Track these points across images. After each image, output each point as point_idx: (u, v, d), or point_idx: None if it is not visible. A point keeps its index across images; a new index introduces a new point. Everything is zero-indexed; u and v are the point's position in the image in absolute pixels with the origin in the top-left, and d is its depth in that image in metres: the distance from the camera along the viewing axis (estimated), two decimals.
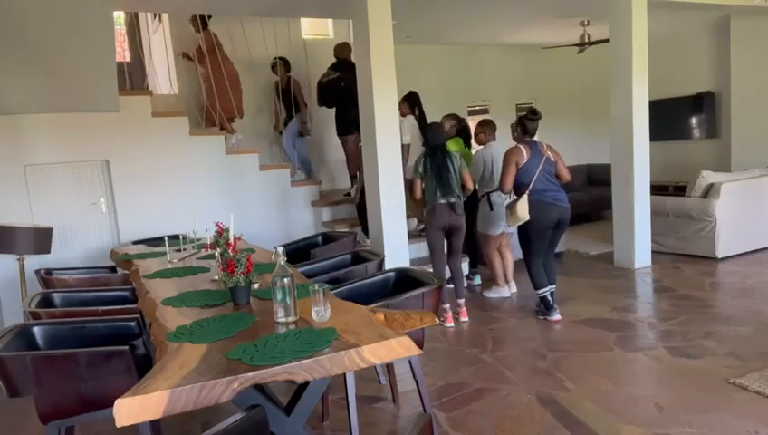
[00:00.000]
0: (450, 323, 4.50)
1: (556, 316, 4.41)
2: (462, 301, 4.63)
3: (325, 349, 1.80)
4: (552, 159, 4.38)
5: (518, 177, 4.31)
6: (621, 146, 5.75)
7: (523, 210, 4.22)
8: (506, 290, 5.20)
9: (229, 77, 6.10)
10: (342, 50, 6.44)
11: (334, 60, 6.45)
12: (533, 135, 4.46)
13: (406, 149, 5.56)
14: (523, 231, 4.39)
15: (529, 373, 3.45)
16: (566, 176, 4.43)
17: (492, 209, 4.97)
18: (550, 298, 4.44)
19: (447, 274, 4.85)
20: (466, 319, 4.59)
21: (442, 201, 4.36)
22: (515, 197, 4.37)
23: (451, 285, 4.84)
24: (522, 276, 5.07)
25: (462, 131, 5.53)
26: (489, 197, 4.99)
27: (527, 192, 4.25)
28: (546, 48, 8.95)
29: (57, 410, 2.15)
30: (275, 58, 6.52)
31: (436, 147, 4.46)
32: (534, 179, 4.27)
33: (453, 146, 5.11)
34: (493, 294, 5.19)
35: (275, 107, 6.79)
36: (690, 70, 8.86)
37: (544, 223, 4.28)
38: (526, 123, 4.40)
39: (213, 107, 6.07)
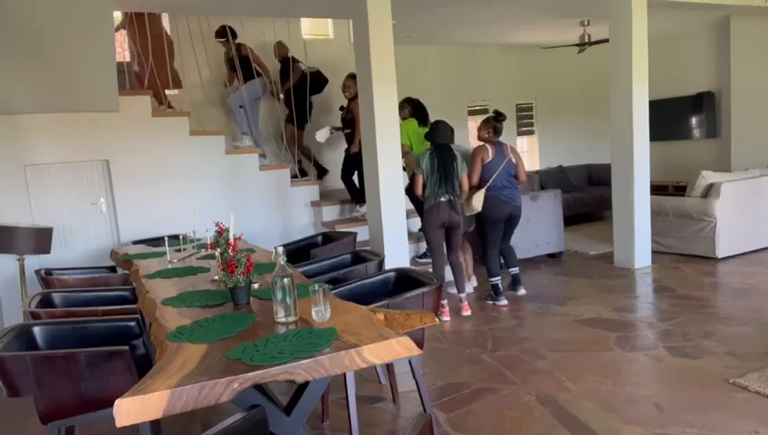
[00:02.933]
0: (446, 317, 4.63)
1: (503, 301, 4.88)
2: (463, 295, 4.70)
3: (325, 349, 1.80)
4: (514, 161, 4.81)
5: (481, 172, 4.73)
6: (621, 146, 5.75)
7: (477, 202, 4.67)
8: (469, 284, 5.40)
9: (168, 45, 5.95)
10: (286, 48, 6.65)
11: (279, 58, 6.66)
12: (500, 136, 4.88)
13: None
14: (479, 223, 4.85)
15: (529, 373, 3.45)
16: (523, 178, 4.89)
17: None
18: (500, 286, 4.93)
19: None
20: (468, 313, 4.67)
21: (443, 199, 4.48)
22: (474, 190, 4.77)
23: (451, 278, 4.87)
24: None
25: (416, 111, 5.72)
26: None
27: (485, 187, 4.69)
28: (546, 48, 8.96)
29: (57, 410, 2.15)
30: (222, 26, 6.26)
31: (441, 146, 4.57)
32: (494, 177, 4.71)
33: (407, 127, 5.47)
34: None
35: (230, 76, 6.50)
36: (690, 70, 8.87)
37: (496, 216, 4.79)
38: (497, 126, 4.83)
39: (141, 75, 5.83)
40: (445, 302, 4.63)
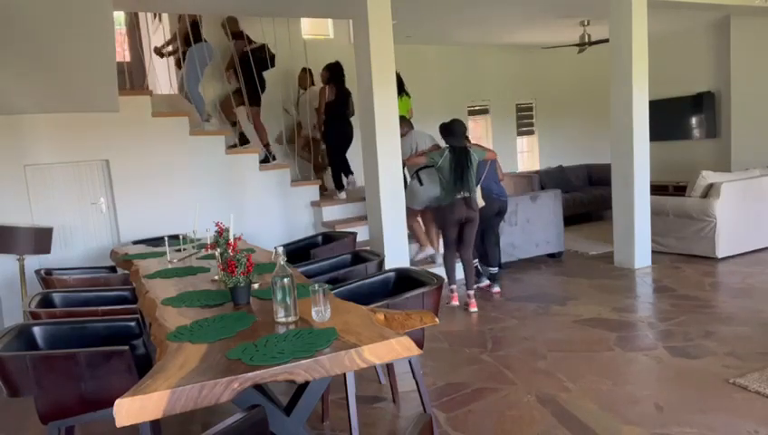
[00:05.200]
0: (455, 302, 4.87)
1: (485, 282, 5.35)
2: (471, 292, 4.85)
3: (325, 349, 1.80)
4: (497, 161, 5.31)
5: None
6: (621, 146, 5.75)
7: (479, 198, 4.98)
8: (430, 249, 5.73)
9: None
10: (236, 24, 6.47)
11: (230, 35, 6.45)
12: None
13: None
14: None
15: (529, 373, 3.45)
16: (501, 176, 5.36)
17: (422, 184, 5.35)
18: (479, 268, 5.40)
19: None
20: (475, 310, 4.78)
21: (459, 196, 4.69)
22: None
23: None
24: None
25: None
26: (419, 175, 5.34)
27: (479, 185, 5.04)
28: (546, 48, 8.95)
29: (57, 410, 2.15)
30: None
31: (457, 148, 4.76)
32: (484, 176, 5.11)
33: None
34: (420, 254, 5.72)
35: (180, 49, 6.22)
36: (690, 70, 8.87)
37: (488, 212, 5.15)
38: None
39: None
40: (454, 287, 4.91)
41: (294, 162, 6.98)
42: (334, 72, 6.29)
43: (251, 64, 6.16)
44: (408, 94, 6.60)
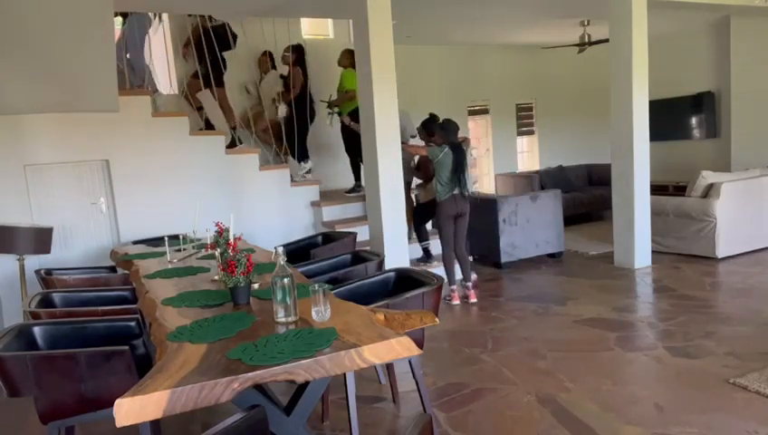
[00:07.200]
0: (456, 302, 4.96)
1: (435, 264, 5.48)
2: (470, 284, 5.01)
3: (325, 349, 1.80)
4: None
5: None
6: (621, 146, 5.75)
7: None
8: None
9: None
10: None
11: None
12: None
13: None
14: (432, 208, 5.24)
15: (529, 373, 3.45)
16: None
17: None
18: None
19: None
20: (475, 301, 4.94)
21: (456, 192, 4.89)
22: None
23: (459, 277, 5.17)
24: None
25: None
26: None
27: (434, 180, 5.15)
28: (546, 48, 8.96)
29: (57, 410, 2.15)
30: None
31: (456, 145, 4.89)
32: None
33: (350, 76, 5.91)
34: None
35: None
36: (690, 70, 8.87)
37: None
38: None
39: None
40: (455, 287, 5.01)
41: (269, 146, 6.75)
42: (301, 55, 6.38)
43: (213, 43, 6.01)
44: None
